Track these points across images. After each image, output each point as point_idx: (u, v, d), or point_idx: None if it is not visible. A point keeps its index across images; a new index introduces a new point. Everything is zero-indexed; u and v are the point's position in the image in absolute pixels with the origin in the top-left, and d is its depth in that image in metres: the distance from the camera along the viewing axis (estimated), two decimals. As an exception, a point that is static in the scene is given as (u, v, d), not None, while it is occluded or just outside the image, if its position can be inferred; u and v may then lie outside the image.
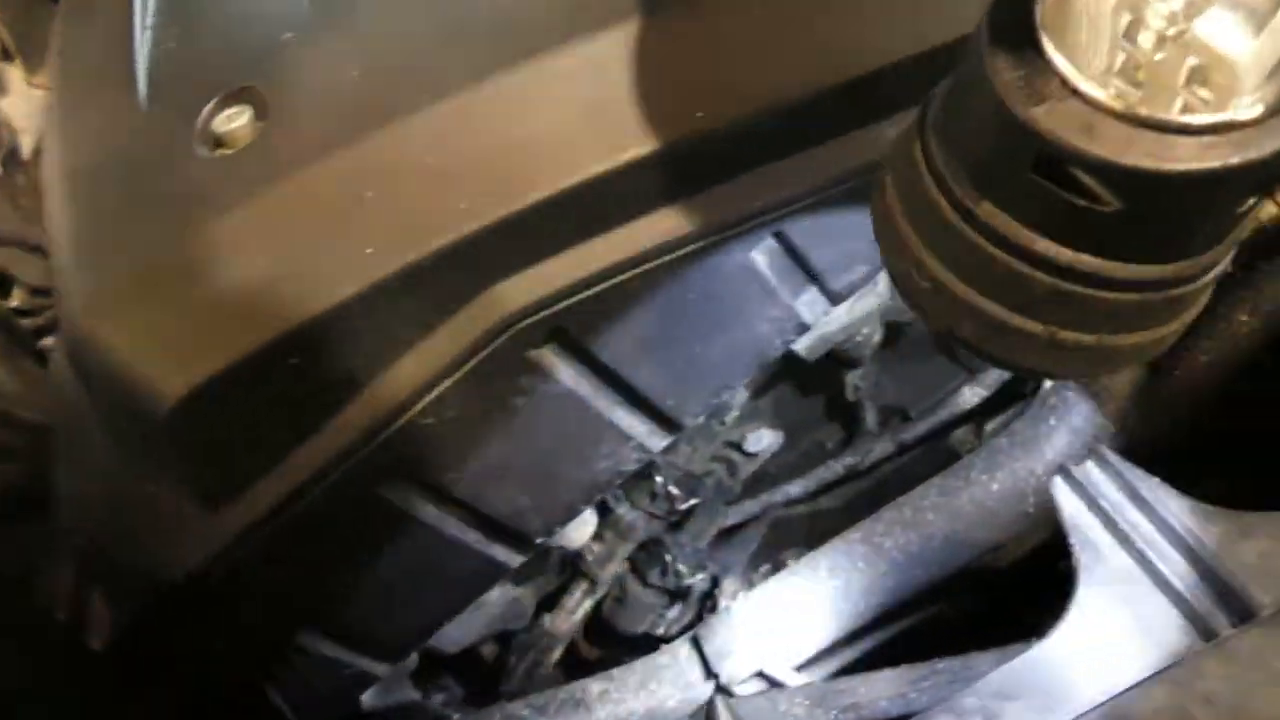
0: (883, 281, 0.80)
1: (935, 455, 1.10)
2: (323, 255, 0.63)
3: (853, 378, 0.95)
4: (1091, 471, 0.65)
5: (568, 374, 0.71)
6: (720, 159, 0.65)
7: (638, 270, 0.66)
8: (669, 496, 0.94)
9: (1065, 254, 0.41)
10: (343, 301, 0.62)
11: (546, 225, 0.64)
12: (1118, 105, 0.37)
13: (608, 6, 0.65)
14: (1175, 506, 0.61)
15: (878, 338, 0.87)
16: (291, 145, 0.66)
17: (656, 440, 0.77)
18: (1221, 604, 0.56)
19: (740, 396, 0.97)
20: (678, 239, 0.66)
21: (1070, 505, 0.65)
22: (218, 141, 0.68)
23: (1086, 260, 0.41)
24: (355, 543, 0.75)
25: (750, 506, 1.09)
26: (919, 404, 1.05)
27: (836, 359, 0.90)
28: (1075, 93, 0.38)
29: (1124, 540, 0.61)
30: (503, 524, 0.78)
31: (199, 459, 0.67)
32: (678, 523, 1.02)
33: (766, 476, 1.09)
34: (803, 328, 0.75)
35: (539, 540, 0.80)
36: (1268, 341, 1.00)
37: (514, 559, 0.80)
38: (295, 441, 0.68)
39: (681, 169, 0.64)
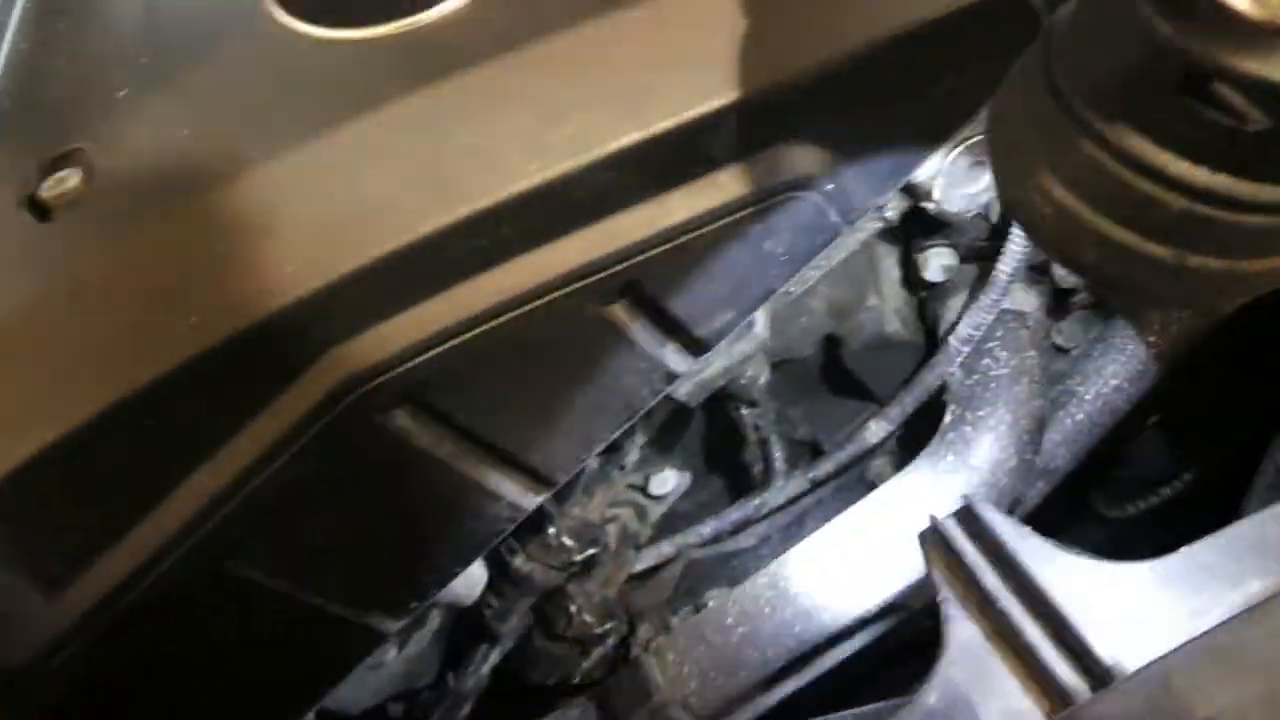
0: (760, 323, 0.78)
1: (856, 488, 1.07)
2: (143, 327, 0.61)
3: (751, 416, 0.93)
4: (953, 528, 0.62)
5: (425, 436, 0.68)
6: (561, 212, 0.62)
7: (484, 328, 0.64)
8: (564, 548, 0.91)
9: (1202, 176, 0.39)
10: (163, 375, 0.59)
11: (383, 285, 0.62)
12: (1267, 17, 0.35)
13: (443, 62, 0.63)
14: (1040, 562, 0.59)
15: (764, 378, 0.85)
16: (113, 210, 0.63)
17: (529, 498, 0.74)
18: (1081, 671, 0.53)
19: (635, 442, 0.95)
20: (521, 294, 0.63)
21: (936, 564, 0.62)
22: (43, 207, 0.65)
23: (1224, 182, 0.40)
24: (211, 619, 0.72)
25: (664, 549, 1.06)
26: (830, 438, 1.03)
27: (728, 400, 0.87)
28: (1222, 7, 0.36)
29: (985, 604, 0.58)
30: (372, 592, 0.75)
31: (25, 542, 0.64)
32: (583, 571, 0.99)
33: (679, 517, 1.06)
34: (671, 376, 0.72)
35: (414, 605, 0.77)
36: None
37: (390, 625, 0.77)
38: (135, 518, 0.65)
39: (521, 223, 0.62)
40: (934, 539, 0.63)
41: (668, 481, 0.99)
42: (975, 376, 0.87)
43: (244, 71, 0.67)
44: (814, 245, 0.70)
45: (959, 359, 0.87)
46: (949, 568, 0.62)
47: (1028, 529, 0.63)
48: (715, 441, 1.00)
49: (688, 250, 0.66)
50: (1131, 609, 0.56)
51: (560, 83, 0.64)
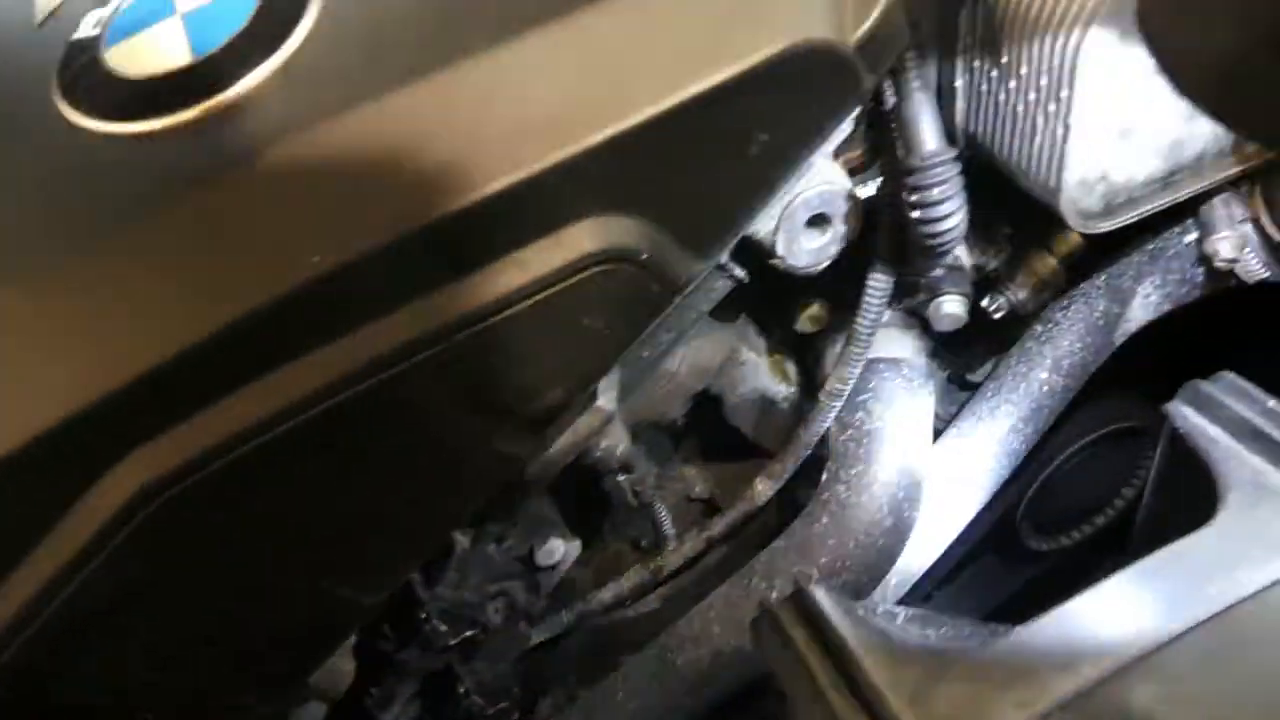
0: (605, 394, 0.74)
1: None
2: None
3: (628, 482, 0.89)
4: (786, 614, 0.58)
5: (241, 540, 0.65)
6: (354, 302, 0.59)
7: (286, 427, 0.60)
8: (436, 632, 0.87)
9: None
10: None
11: (166, 392, 0.58)
12: None
13: (228, 151, 0.60)
14: (869, 651, 0.55)
15: (623, 446, 0.81)
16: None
17: (368, 598, 0.70)
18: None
19: (515, 515, 0.91)
20: (317, 391, 0.59)
21: (770, 650, 0.58)
22: None
23: None
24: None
25: (564, 618, 1.03)
26: (723, 496, 0.99)
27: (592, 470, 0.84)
28: None
29: (816, 693, 0.55)
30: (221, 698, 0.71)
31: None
32: (469, 650, 0.95)
33: (576, 585, 1.03)
34: (509, 458, 0.69)
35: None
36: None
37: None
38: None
39: (314, 316, 0.59)
40: (767, 625, 0.59)
41: (554, 552, 0.95)
42: (849, 431, 0.84)
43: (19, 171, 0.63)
44: (639, 317, 0.67)
45: (831, 414, 0.83)
46: (781, 656, 0.58)
47: (864, 609, 0.59)
48: (603, 508, 0.96)
49: (497, 331, 0.62)
50: (959, 701, 0.52)
51: (352, 166, 0.61)
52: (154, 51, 0.64)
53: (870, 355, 0.86)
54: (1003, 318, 0.93)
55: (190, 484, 0.60)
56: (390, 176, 0.61)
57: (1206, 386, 0.67)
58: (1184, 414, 0.67)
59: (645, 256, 0.63)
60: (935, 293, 0.88)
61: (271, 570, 0.67)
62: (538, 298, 0.62)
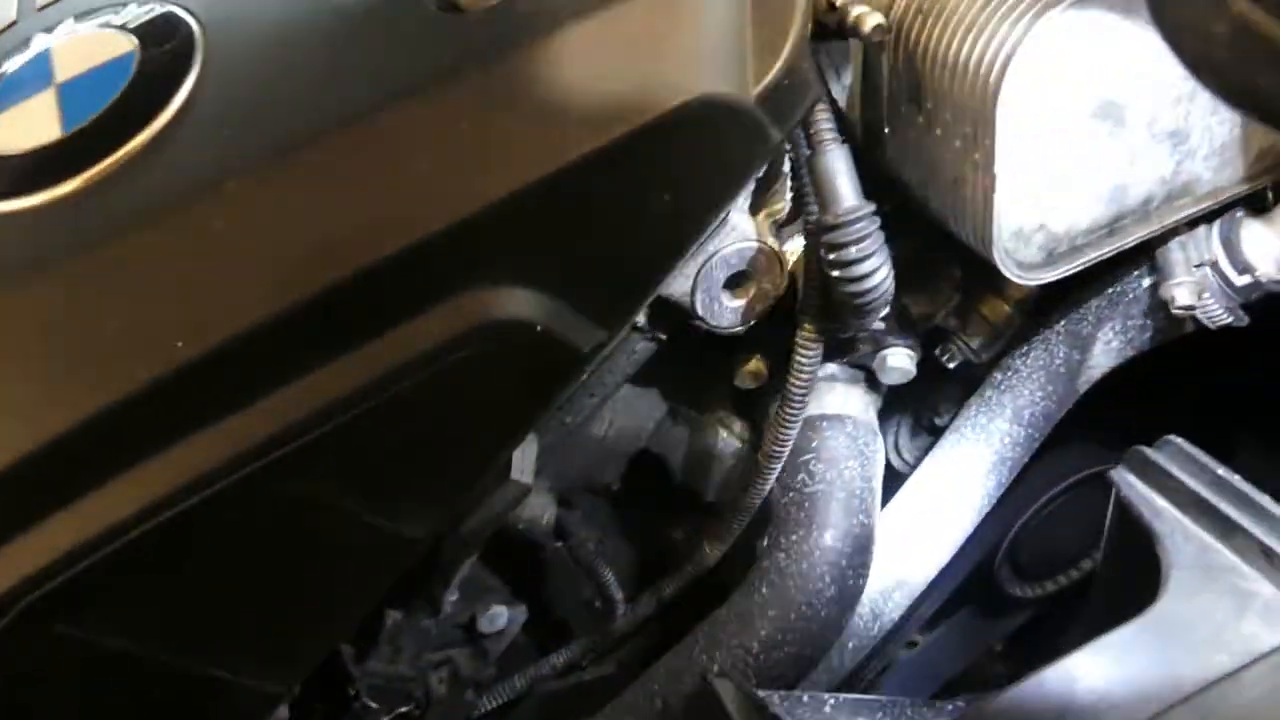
0: (520, 467, 0.71)
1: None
2: None
3: (566, 550, 0.85)
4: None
5: (125, 643, 0.61)
6: (223, 390, 0.56)
7: (152, 524, 0.57)
8: (367, 710, 0.83)
9: None
10: None
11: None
12: None
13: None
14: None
15: (549, 516, 0.78)
16: None
17: (273, 687, 0.67)
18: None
19: (451, 585, 0.88)
20: (184, 486, 0.56)
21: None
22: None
23: None
24: None
25: (516, 684, 0.99)
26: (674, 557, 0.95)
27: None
28: None
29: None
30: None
31: None
32: (413, 723, 0.91)
33: (527, 650, 0.99)
34: (417, 542, 0.65)
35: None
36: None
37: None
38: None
39: (182, 407, 0.55)
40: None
41: (498, 618, 0.92)
42: (790, 495, 0.80)
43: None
44: (542, 390, 0.63)
45: (771, 476, 0.79)
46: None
47: (778, 702, 0.55)
48: (537, 574, 0.93)
49: (384, 412, 0.59)
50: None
51: (222, 243, 0.58)
52: (26, 125, 0.62)
53: (814, 412, 0.83)
54: (959, 365, 0.89)
55: (60, 584, 0.57)
56: (264, 251, 0.58)
57: (1152, 453, 0.63)
58: (1128, 482, 0.62)
59: (540, 329, 0.60)
60: (880, 345, 0.84)
61: (165, 665, 0.64)
62: (425, 375, 0.59)
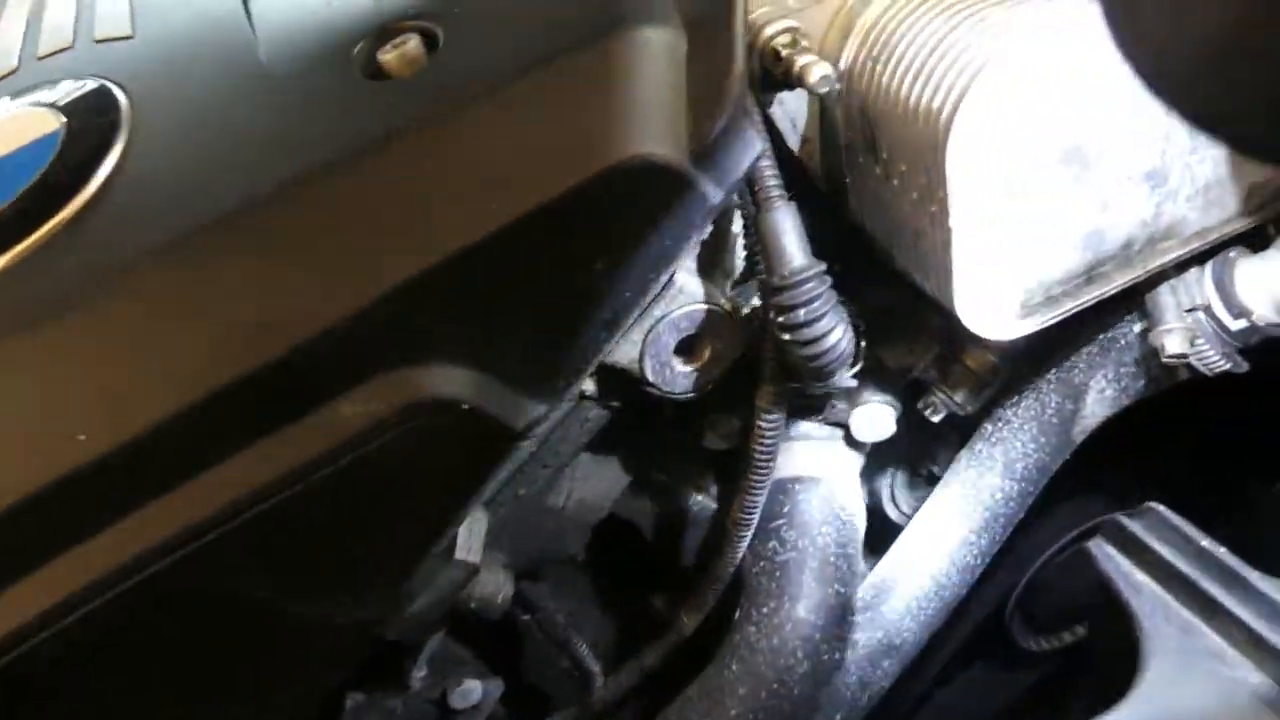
0: (466, 545, 0.68)
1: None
2: None
3: (535, 623, 0.82)
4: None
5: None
6: (131, 480, 0.54)
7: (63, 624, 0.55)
8: (330, 799, 0.80)
9: None
10: None
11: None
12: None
13: None
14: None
15: (507, 592, 0.74)
16: None
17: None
18: None
19: (419, 663, 0.84)
20: (94, 583, 0.54)
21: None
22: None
23: None
24: None
25: (497, 759, 0.95)
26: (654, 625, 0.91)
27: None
28: None
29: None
30: None
31: None
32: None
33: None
34: (359, 631, 0.62)
35: None
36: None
37: None
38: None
39: (86, 502, 0.53)
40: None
41: (471, 693, 0.88)
42: (761, 564, 0.76)
43: None
44: (478, 468, 0.60)
45: (742, 544, 0.75)
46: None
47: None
48: (509, 648, 0.89)
49: (308, 498, 0.56)
50: None
51: (136, 329, 0.56)
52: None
53: (786, 474, 0.79)
54: (944, 419, 0.85)
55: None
56: (177, 337, 0.56)
57: (1131, 523, 0.58)
58: (1106, 555, 0.58)
59: (469, 407, 0.57)
60: (856, 401, 0.80)
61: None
62: (350, 458, 0.56)
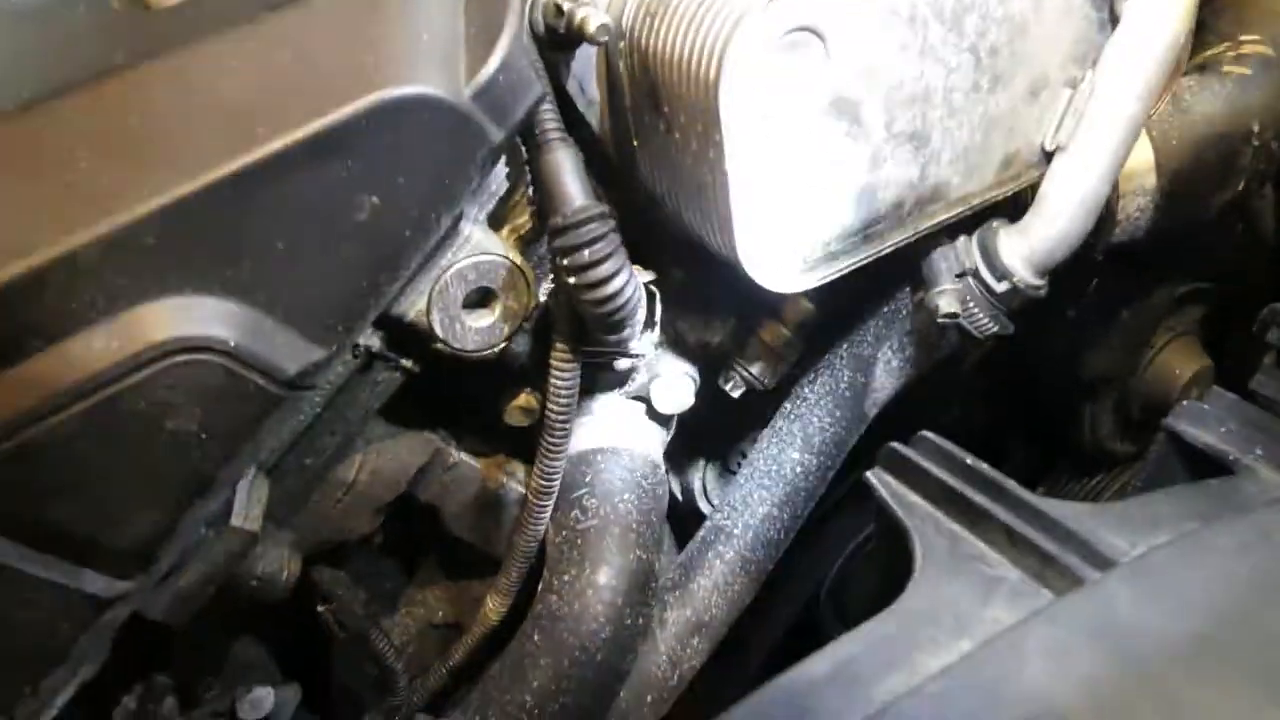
0: (243, 513, 0.63)
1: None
2: None
3: (330, 615, 0.78)
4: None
5: None
6: None
7: None
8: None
9: None
10: None
11: None
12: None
13: None
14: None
15: (293, 570, 0.70)
16: None
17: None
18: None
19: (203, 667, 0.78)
20: None
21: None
22: None
23: None
24: None
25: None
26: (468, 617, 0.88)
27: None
28: None
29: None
30: None
31: None
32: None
33: None
34: (106, 603, 0.57)
35: None
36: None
37: None
38: None
39: None
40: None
41: (262, 702, 0.82)
42: (564, 534, 0.74)
43: None
44: (244, 417, 0.57)
45: (543, 516, 0.74)
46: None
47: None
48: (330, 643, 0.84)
49: (46, 442, 0.51)
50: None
51: None
52: None
53: (588, 446, 0.78)
54: (746, 394, 0.87)
55: None
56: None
57: (904, 449, 0.60)
58: (884, 481, 0.60)
59: (234, 345, 0.54)
60: (655, 374, 0.81)
61: None
62: (95, 398, 0.52)
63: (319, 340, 0.57)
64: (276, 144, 0.52)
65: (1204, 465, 0.73)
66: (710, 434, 1.01)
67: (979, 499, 0.55)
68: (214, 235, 0.53)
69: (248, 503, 0.63)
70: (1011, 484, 0.55)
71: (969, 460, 0.57)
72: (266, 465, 0.67)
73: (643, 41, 0.65)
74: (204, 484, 0.57)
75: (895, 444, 0.61)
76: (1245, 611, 0.45)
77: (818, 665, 0.48)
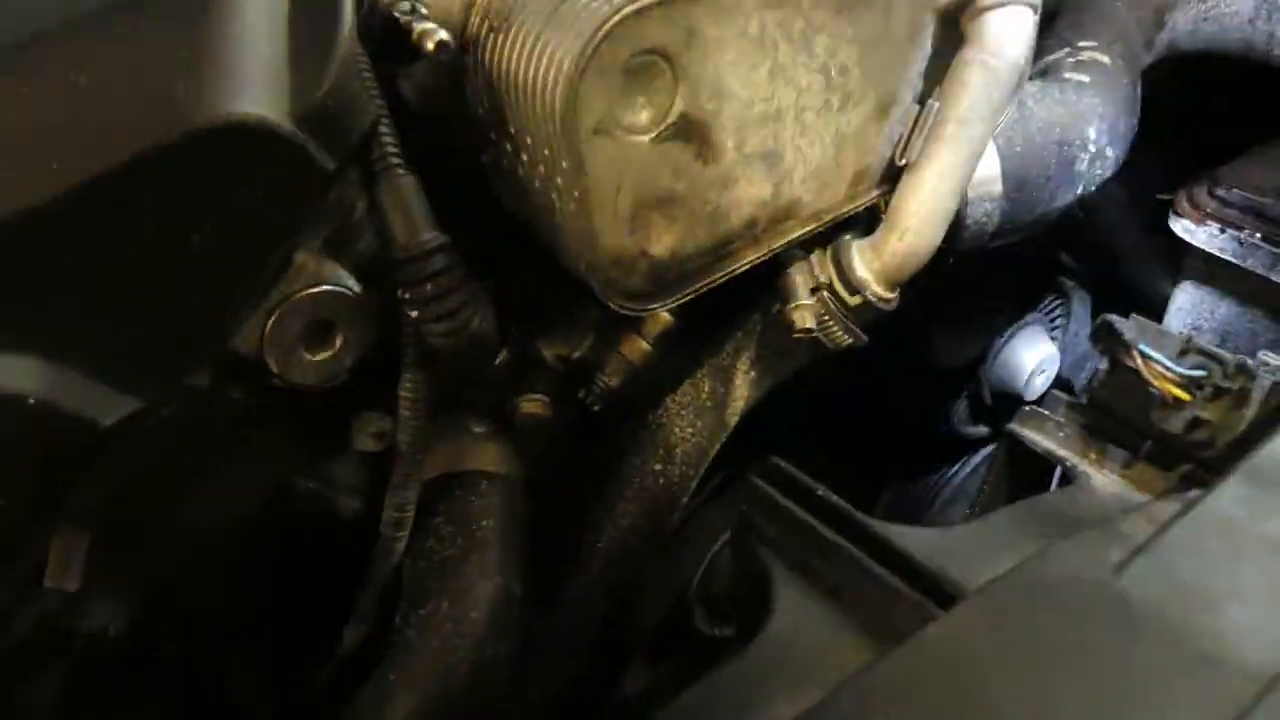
0: (67, 571, 0.59)
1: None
2: None
3: (164, 665, 0.73)
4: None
5: None
6: None
7: None
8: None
9: None
10: None
11: None
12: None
13: None
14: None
15: (120, 625, 0.65)
16: None
17: None
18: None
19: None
20: None
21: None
22: None
23: None
24: None
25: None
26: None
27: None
28: None
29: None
30: None
31: None
32: None
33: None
34: None
35: None
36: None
37: None
38: None
39: None
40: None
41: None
42: (420, 564, 0.72)
43: None
44: (56, 472, 0.52)
45: (397, 547, 0.71)
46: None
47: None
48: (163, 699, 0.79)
49: None
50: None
51: None
52: None
53: (443, 470, 0.76)
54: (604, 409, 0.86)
55: None
56: None
57: (758, 481, 0.61)
58: (740, 509, 0.60)
59: (34, 401, 0.49)
60: (515, 393, 0.79)
61: None
62: None
63: (141, 389, 0.53)
64: (78, 179, 0.48)
65: (1043, 469, 0.77)
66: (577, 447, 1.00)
67: (828, 533, 0.55)
68: (15, 276, 0.48)
69: (66, 557, 0.58)
70: (860, 516, 0.56)
71: (819, 491, 0.58)
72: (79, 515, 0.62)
73: (487, 58, 0.62)
74: (17, 539, 0.52)
75: (750, 474, 0.61)
76: (1081, 644, 0.47)
77: (671, 715, 0.48)
